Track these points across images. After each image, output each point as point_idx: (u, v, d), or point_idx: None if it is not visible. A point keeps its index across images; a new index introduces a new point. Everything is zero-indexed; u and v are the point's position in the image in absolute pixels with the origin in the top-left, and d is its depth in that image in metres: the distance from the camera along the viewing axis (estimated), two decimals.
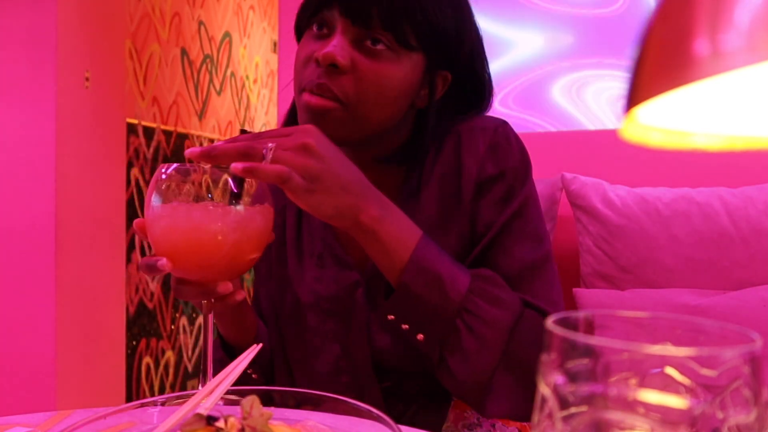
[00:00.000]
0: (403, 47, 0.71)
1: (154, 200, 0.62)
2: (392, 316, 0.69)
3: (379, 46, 0.70)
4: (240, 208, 0.62)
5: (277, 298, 0.86)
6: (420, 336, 0.69)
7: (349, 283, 0.79)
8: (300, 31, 0.78)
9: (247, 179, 0.62)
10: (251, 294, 0.96)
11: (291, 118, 0.83)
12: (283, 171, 0.60)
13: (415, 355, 0.75)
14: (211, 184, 0.64)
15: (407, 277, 0.67)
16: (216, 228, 0.60)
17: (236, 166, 0.57)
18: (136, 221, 0.65)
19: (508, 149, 0.76)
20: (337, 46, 0.69)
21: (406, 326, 0.69)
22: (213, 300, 0.65)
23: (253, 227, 0.63)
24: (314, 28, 0.73)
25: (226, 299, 0.67)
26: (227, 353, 0.82)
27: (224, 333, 0.82)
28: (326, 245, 0.82)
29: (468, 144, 0.77)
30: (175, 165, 0.63)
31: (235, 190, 0.62)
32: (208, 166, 0.63)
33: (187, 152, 0.61)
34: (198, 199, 0.63)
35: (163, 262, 0.60)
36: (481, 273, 0.71)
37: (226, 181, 0.63)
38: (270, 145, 0.60)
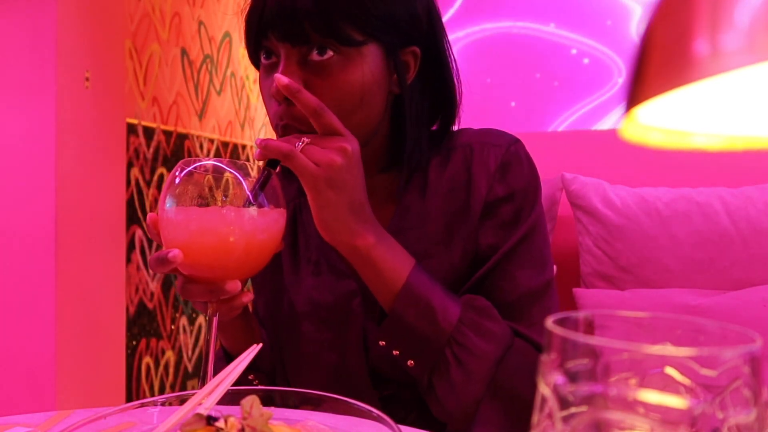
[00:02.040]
0: (351, 46, 0.68)
1: (168, 201, 0.62)
2: (383, 342, 0.71)
3: (327, 55, 0.67)
4: (253, 211, 0.62)
5: (273, 306, 0.85)
6: (410, 362, 0.70)
7: (345, 292, 0.79)
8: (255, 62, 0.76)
9: (267, 185, 0.63)
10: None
11: None
12: (285, 147, 0.62)
13: None
14: (226, 186, 0.64)
15: (399, 305, 0.68)
16: (228, 231, 0.60)
17: (258, 141, 0.63)
18: (149, 216, 0.65)
19: (519, 169, 0.75)
20: (285, 75, 0.66)
21: (397, 352, 0.70)
22: (218, 302, 0.65)
23: (266, 231, 0.63)
24: (263, 61, 0.72)
25: (232, 301, 0.67)
26: None
27: (229, 346, 0.81)
28: (322, 253, 0.81)
29: (479, 160, 0.76)
30: (191, 166, 0.63)
31: (250, 194, 0.62)
32: (223, 166, 0.64)
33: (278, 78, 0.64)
34: (212, 200, 0.63)
35: (175, 252, 0.60)
36: (474, 303, 0.71)
37: (242, 184, 0.63)
38: (305, 139, 0.64)
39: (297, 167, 0.62)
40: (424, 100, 0.76)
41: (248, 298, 0.68)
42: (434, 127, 0.81)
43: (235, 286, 0.64)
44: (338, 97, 0.68)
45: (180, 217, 0.61)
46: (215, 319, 0.64)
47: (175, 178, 0.62)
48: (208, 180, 0.63)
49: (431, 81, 0.77)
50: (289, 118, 0.68)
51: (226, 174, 0.63)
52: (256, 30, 0.70)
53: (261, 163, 0.64)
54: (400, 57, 0.72)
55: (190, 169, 0.62)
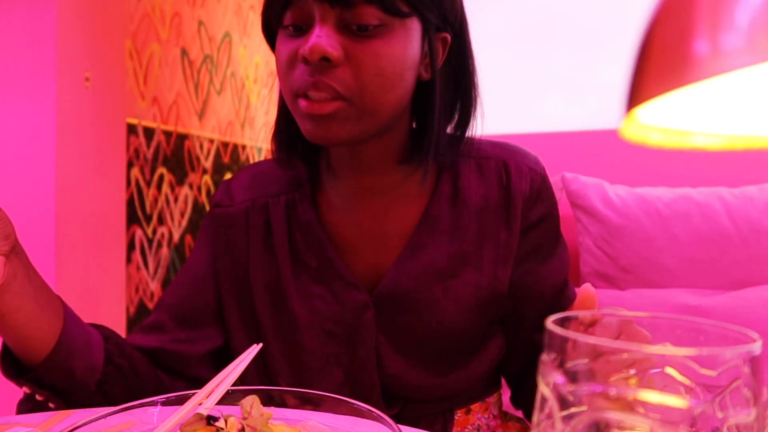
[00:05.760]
0: (395, 16, 0.61)
1: None
2: None
3: (370, 22, 0.60)
4: None
5: (272, 310, 0.76)
6: None
7: (355, 304, 0.72)
8: (270, 30, 0.68)
9: None
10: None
11: (283, 124, 0.73)
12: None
13: (429, 384, 0.73)
14: None
15: None
16: None
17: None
18: None
19: (547, 193, 0.75)
20: (322, 36, 0.59)
21: None
22: None
23: None
24: (288, 23, 0.63)
25: None
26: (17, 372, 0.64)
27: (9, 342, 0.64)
28: (325, 258, 0.74)
29: (517, 183, 0.73)
30: None
31: None
32: None
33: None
34: None
35: None
36: None
37: None
38: None
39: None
40: (448, 93, 0.71)
41: None
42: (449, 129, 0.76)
43: None
44: (380, 66, 0.61)
45: None
46: None
47: None
48: None
49: (455, 74, 0.72)
50: (320, 74, 0.60)
51: None
52: None
53: None
54: (434, 41, 0.67)
55: None
